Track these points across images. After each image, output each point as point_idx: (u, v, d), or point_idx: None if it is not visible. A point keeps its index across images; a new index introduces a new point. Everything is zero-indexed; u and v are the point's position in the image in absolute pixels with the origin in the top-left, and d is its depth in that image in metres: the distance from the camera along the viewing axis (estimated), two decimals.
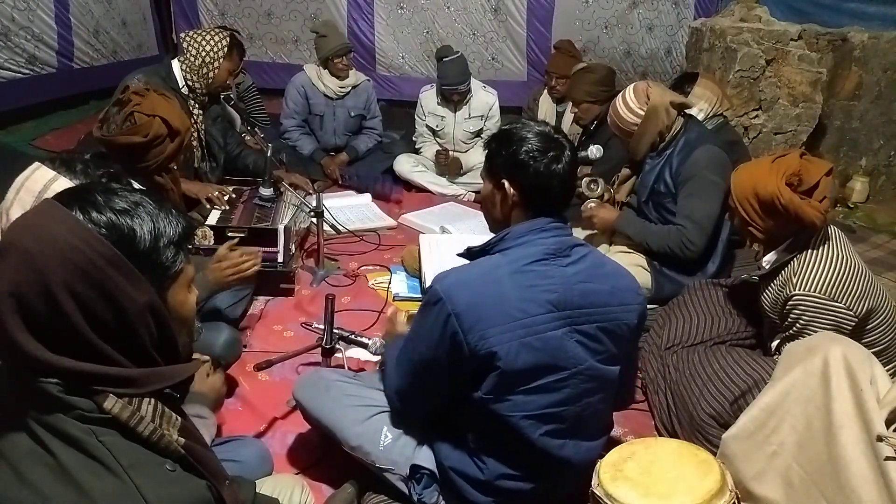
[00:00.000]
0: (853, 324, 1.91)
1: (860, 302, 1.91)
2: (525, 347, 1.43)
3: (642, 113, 2.52)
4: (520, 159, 1.50)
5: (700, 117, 2.98)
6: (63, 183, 1.48)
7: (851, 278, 1.91)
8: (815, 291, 1.90)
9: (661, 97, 2.53)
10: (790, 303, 1.94)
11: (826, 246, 1.95)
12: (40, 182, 1.49)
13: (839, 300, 1.89)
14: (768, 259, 2.05)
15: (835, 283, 1.89)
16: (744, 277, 2.35)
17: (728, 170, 2.45)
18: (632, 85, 2.61)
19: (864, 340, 1.94)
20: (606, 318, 1.51)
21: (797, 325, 1.94)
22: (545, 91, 4.07)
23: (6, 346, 0.82)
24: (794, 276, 1.94)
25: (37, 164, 1.54)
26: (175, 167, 2.13)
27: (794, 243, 1.99)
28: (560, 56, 3.97)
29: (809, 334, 1.91)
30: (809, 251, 1.95)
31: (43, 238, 0.82)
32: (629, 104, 2.55)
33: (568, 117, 3.89)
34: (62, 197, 0.89)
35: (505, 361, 1.42)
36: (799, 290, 1.91)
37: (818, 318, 1.90)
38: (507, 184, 1.53)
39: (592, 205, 2.76)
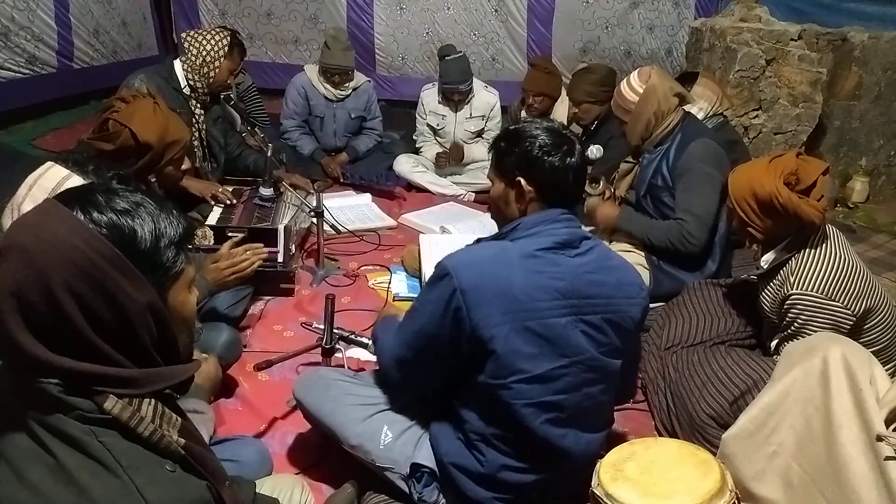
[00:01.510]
0: (851, 323, 1.91)
1: (858, 301, 1.91)
2: (525, 331, 1.44)
3: (641, 91, 2.53)
4: (534, 155, 1.52)
5: (700, 117, 2.98)
6: (76, 181, 1.49)
7: (849, 277, 1.91)
8: (812, 290, 1.90)
9: (660, 80, 2.55)
10: (788, 302, 1.94)
11: (824, 245, 1.95)
12: (53, 180, 1.50)
13: (837, 299, 1.89)
14: (767, 259, 2.05)
15: (833, 283, 1.90)
16: (743, 277, 2.35)
17: (724, 163, 2.46)
18: (637, 70, 2.65)
19: (862, 340, 1.94)
20: (612, 309, 1.52)
21: (795, 324, 1.94)
22: (523, 111, 3.90)
23: (7, 346, 0.82)
24: (792, 276, 1.94)
25: (50, 162, 1.54)
26: (154, 180, 2.09)
27: (793, 243, 1.99)
28: (536, 73, 3.76)
29: (808, 334, 1.91)
30: (807, 250, 1.95)
31: (44, 238, 0.82)
32: (630, 82, 2.58)
33: None
34: (63, 196, 0.89)
35: (502, 344, 1.43)
36: (797, 289, 1.92)
37: (816, 317, 1.91)
38: (522, 181, 1.55)
39: (594, 200, 2.76)
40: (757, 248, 2.13)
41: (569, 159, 1.52)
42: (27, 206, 1.48)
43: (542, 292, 1.45)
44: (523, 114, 3.99)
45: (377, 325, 1.87)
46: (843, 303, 1.89)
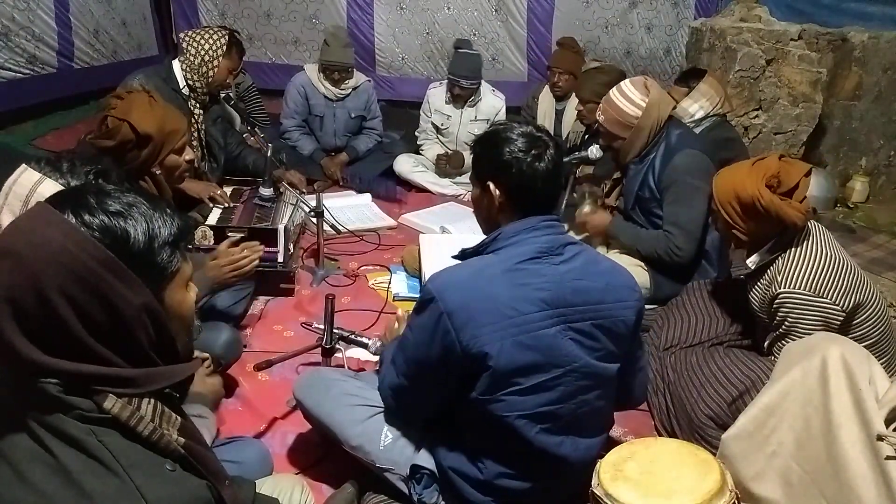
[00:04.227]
0: (841, 318, 1.91)
1: (847, 296, 1.91)
2: (517, 346, 1.43)
3: (643, 105, 2.45)
4: (503, 160, 1.50)
5: (699, 115, 2.98)
6: (49, 184, 1.49)
7: (836, 273, 1.92)
8: (800, 288, 1.90)
9: (659, 91, 2.51)
10: (777, 301, 1.95)
11: (808, 243, 1.96)
12: (26, 186, 1.49)
13: (825, 295, 1.89)
14: (753, 260, 2.06)
15: (819, 279, 1.90)
16: (734, 277, 2.34)
17: (710, 172, 2.42)
18: (627, 79, 2.57)
19: (853, 335, 1.94)
20: (601, 314, 1.51)
21: (786, 322, 1.95)
22: (545, 89, 4.06)
23: (3, 352, 0.82)
24: (780, 275, 1.95)
25: (23, 166, 1.54)
26: (158, 172, 2.10)
27: (777, 244, 2.00)
28: (564, 52, 3.95)
29: (798, 331, 1.92)
30: (793, 249, 1.96)
31: (36, 242, 0.82)
32: (630, 96, 2.47)
33: (569, 116, 3.88)
34: (55, 200, 0.89)
35: (497, 360, 1.42)
36: (784, 287, 1.92)
37: (805, 314, 1.91)
38: (491, 186, 1.53)
39: (587, 209, 2.75)
40: (743, 251, 2.13)
41: (538, 164, 1.49)
42: (5, 217, 1.47)
43: (528, 304, 1.44)
44: (544, 93, 4.01)
45: (386, 347, 1.84)
46: (831, 299, 1.89)
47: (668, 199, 2.49)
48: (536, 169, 1.49)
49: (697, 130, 2.91)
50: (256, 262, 2.23)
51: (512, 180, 1.51)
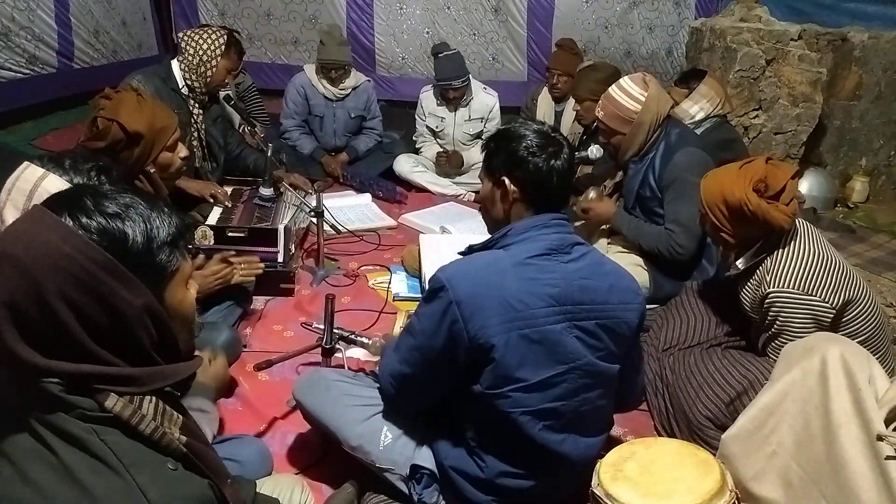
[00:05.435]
0: (831, 316, 1.91)
1: (836, 293, 1.91)
2: (523, 340, 1.44)
3: (643, 99, 2.45)
4: (519, 155, 1.53)
5: (700, 116, 2.98)
6: (53, 179, 1.49)
7: (824, 271, 1.92)
8: (789, 287, 1.91)
9: (658, 87, 2.51)
10: (767, 301, 1.95)
11: (796, 242, 1.97)
12: (30, 181, 1.49)
13: (814, 293, 1.90)
14: (741, 262, 2.06)
15: (807, 277, 1.90)
16: (732, 277, 2.34)
17: (711, 169, 2.43)
18: (626, 76, 2.58)
19: (843, 331, 1.95)
20: (606, 315, 1.52)
21: (777, 322, 1.95)
22: (544, 90, 4.06)
23: (4, 357, 0.82)
24: (768, 274, 1.95)
25: (26, 163, 1.53)
26: (153, 170, 2.11)
27: (764, 245, 2.00)
28: (562, 53, 3.96)
29: (790, 330, 1.92)
30: (780, 249, 1.96)
31: (34, 247, 0.82)
32: (629, 91, 2.47)
33: (567, 117, 3.89)
34: (51, 203, 0.88)
35: (502, 353, 1.43)
36: (773, 287, 1.93)
37: (795, 312, 1.91)
38: (507, 181, 1.55)
39: (593, 195, 2.74)
40: (730, 253, 2.13)
41: (554, 161, 1.52)
42: (9, 212, 1.47)
43: (536, 300, 1.45)
44: (542, 94, 4.02)
45: (386, 347, 1.84)
46: (820, 296, 1.90)
47: (670, 197, 2.50)
48: (553, 166, 1.52)
49: (698, 132, 2.91)
50: (241, 277, 2.27)
51: (528, 176, 1.53)
